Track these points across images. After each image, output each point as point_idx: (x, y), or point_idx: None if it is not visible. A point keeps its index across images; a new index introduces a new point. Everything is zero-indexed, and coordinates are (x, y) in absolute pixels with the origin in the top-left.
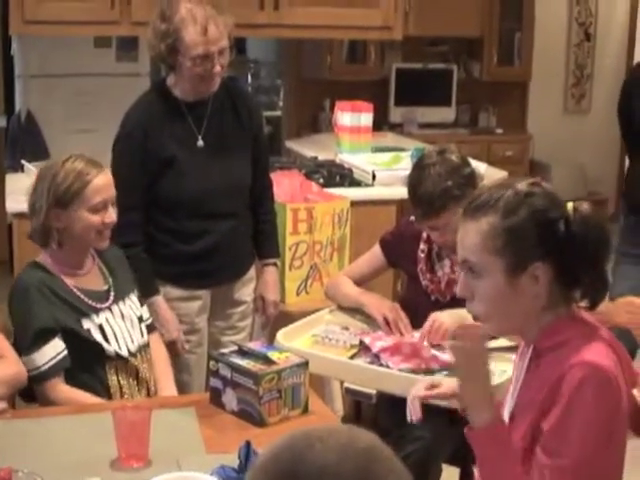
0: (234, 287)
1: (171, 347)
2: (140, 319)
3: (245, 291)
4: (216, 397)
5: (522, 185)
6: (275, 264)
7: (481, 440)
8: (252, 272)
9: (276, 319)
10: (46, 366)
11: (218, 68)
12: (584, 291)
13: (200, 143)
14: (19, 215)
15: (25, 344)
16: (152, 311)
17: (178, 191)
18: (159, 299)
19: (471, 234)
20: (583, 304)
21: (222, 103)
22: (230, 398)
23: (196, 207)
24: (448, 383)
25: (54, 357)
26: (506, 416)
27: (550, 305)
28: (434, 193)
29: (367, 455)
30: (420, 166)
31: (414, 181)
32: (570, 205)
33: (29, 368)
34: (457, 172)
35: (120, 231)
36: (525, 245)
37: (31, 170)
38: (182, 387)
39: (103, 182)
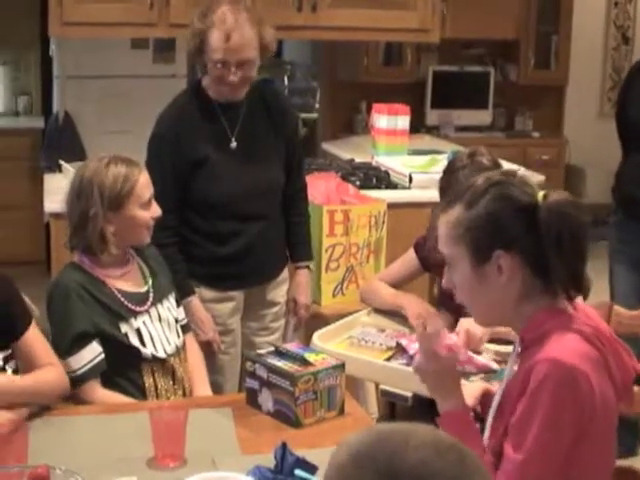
0: (267, 288)
1: (206, 347)
2: (176, 320)
3: (278, 292)
4: (252, 398)
5: (493, 175)
6: (308, 267)
7: (443, 422)
8: (285, 273)
9: (312, 321)
10: (83, 369)
11: (232, 78)
12: (559, 283)
13: (233, 145)
14: (57, 215)
15: (63, 347)
16: (187, 311)
17: (210, 192)
18: (195, 299)
19: (442, 225)
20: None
21: (255, 105)
22: (266, 399)
23: (228, 209)
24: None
25: (91, 360)
26: (494, 407)
27: (528, 296)
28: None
29: (457, 449)
30: (450, 169)
31: (444, 184)
32: (541, 194)
33: (66, 371)
34: None
35: (154, 232)
36: (485, 233)
37: (69, 170)
38: (215, 388)
39: (146, 179)
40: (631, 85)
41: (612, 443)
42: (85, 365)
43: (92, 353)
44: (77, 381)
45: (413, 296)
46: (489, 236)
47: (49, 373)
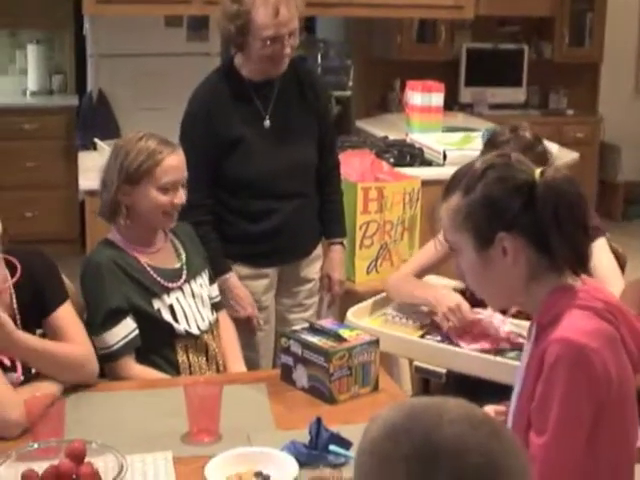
0: (301, 265)
1: (246, 324)
2: (209, 298)
3: (312, 269)
4: (287, 374)
5: (489, 158)
6: (341, 243)
7: None
8: (319, 250)
9: (346, 298)
10: (117, 345)
11: (288, 50)
12: (563, 260)
13: (267, 123)
14: (91, 193)
15: (97, 323)
16: (225, 288)
17: (244, 171)
18: (232, 276)
19: (443, 214)
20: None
21: (289, 83)
22: (300, 375)
23: (262, 187)
24: None
25: (125, 336)
26: (516, 392)
27: (535, 275)
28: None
29: (491, 423)
30: (492, 144)
31: None
32: (538, 171)
33: (100, 347)
34: (531, 150)
35: (189, 210)
36: (485, 217)
37: (104, 148)
38: (249, 364)
39: (174, 162)
40: None
41: (633, 417)
42: (120, 341)
43: (126, 329)
44: (112, 357)
45: (441, 288)
46: (489, 219)
47: (79, 350)
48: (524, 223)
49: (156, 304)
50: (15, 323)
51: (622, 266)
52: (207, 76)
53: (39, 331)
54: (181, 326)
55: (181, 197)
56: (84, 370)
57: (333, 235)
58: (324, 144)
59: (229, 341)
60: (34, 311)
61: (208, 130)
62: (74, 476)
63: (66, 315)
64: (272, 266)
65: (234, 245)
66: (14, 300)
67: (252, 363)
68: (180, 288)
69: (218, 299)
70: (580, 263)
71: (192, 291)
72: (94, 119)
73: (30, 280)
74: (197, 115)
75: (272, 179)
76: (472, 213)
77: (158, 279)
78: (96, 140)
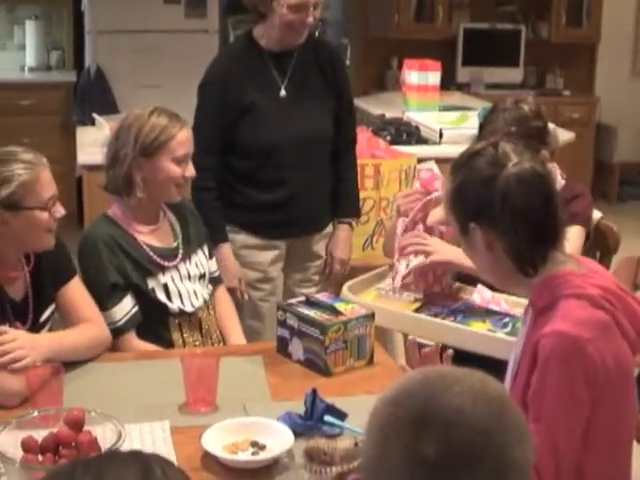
0: (312, 240)
1: (231, 294)
2: (203, 275)
3: (323, 245)
4: (283, 346)
5: (475, 146)
6: (349, 223)
7: None
8: (332, 227)
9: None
10: (122, 320)
11: (310, 19)
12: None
13: (282, 93)
14: (89, 168)
15: (101, 299)
16: (217, 257)
17: (256, 138)
18: (225, 246)
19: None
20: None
21: (307, 55)
22: (297, 347)
23: (273, 155)
24: None
25: (129, 311)
26: (510, 371)
27: (520, 264)
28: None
29: (499, 403)
30: (493, 109)
31: (484, 122)
32: (510, 163)
33: (107, 322)
34: (525, 122)
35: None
36: (458, 206)
37: (102, 123)
38: (254, 334)
39: (186, 136)
40: None
41: (632, 400)
42: (124, 316)
43: (129, 304)
44: (118, 332)
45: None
46: (461, 209)
47: (93, 329)
48: (489, 217)
49: (151, 283)
50: (27, 302)
51: (615, 246)
52: (225, 47)
53: (51, 308)
54: (175, 305)
55: (191, 170)
56: (102, 347)
57: (341, 214)
58: (340, 119)
59: (227, 314)
60: (47, 287)
61: (221, 95)
62: (73, 443)
63: (77, 289)
64: (281, 238)
65: (241, 213)
66: (28, 281)
67: (257, 333)
68: (176, 267)
69: (217, 274)
70: (526, 264)
71: (188, 272)
72: (91, 95)
73: (43, 257)
74: (212, 80)
75: (283, 148)
76: (452, 200)
77: (154, 257)
78: (95, 115)
